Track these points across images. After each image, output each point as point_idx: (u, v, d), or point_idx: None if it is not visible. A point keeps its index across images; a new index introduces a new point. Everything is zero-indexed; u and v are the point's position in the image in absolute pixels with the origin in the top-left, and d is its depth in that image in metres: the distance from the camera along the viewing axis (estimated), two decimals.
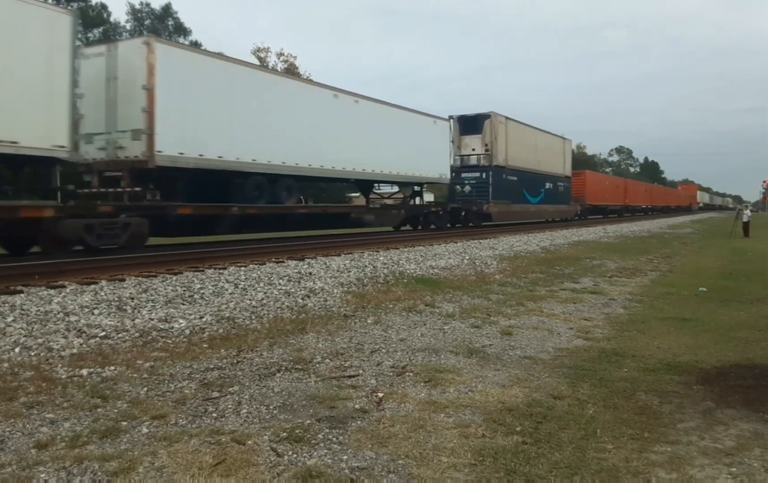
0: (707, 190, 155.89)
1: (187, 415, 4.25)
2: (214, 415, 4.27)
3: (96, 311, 7.24)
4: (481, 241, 20.05)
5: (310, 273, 10.98)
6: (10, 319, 6.64)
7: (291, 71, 47.02)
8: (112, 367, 5.27)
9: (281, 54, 47.45)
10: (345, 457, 3.59)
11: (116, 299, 7.84)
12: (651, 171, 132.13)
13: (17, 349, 5.65)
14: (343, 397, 4.68)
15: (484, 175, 27.64)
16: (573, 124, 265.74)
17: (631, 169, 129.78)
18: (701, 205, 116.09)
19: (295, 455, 3.62)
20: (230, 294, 8.76)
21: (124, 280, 9.38)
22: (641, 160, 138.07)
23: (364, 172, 20.02)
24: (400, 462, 3.54)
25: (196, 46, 47.55)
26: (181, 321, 7.05)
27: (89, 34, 42.97)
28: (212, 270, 10.81)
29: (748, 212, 30.50)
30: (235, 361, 5.62)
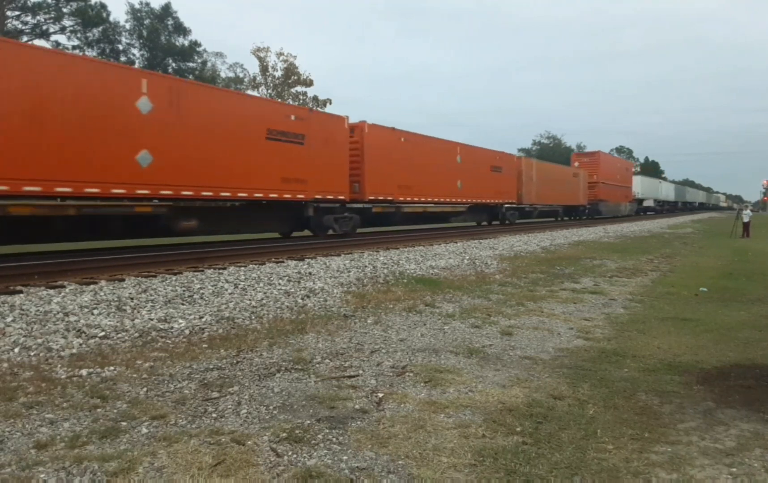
0: (663, 178, 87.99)
1: (187, 415, 4.24)
2: (214, 415, 4.27)
3: (95, 311, 7.23)
4: (481, 241, 20.05)
5: (310, 273, 10.97)
6: (9, 319, 6.63)
7: (291, 71, 46.99)
8: (112, 368, 5.27)
9: (281, 54, 47.31)
10: (345, 458, 3.59)
11: (116, 299, 7.83)
12: (651, 171, 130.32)
13: (17, 349, 5.65)
14: (343, 397, 4.67)
15: None
16: (577, 123, 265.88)
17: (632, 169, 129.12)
18: (646, 201, 61.07)
19: (294, 455, 3.61)
20: (230, 294, 8.75)
21: (123, 280, 9.37)
22: (642, 160, 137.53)
23: None
24: (400, 462, 3.53)
25: (196, 45, 47.68)
26: (180, 321, 7.05)
27: (88, 34, 43.03)
28: (212, 270, 10.80)
29: (748, 212, 30.45)
30: (234, 362, 5.61)
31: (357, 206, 18.90)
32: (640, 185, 58.16)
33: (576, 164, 44.54)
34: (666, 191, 72.80)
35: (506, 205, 30.01)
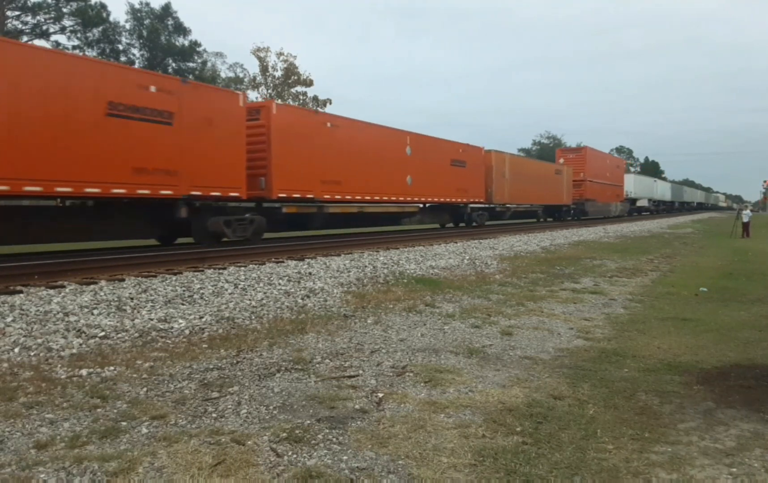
0: (659, 176, 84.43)
1: (187, 415, 4.24)
2: (214, 415, 4.27)
3: (95, 311, 7.23)
4: (481, 241, 20.06)
5: (310, 273, 10.97)
6: (9, 319, 6.63)
7: (291, 71, 47.00)
8: (112, 368, 5.27)
9: (281, 54, 47.33)
10: (345, 458, 3.59)
11: (116, 299, 7.83)
12: (651, 171, 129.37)
13: (17, 349, 5.65)
14: (343, 397, 4.67)
15: None
16: (577, 123, 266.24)
17: (632, 169, 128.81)
18: (640, 200, 57.43)
19: (294, 455, 3.61)
20: (230, 294, 8.75)
21: (123, 280, 9.38)
22: (642, 160, 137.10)
23: None
24: (400, 462, 3.53)
25: (196, 45, 47.70)
26: (180, 321, 7.05)
27: (88, 34, 43.03)
28: (212, 270, 10.80)
29: (748, 212, 30.44)
30: (234, 362, 5.61)
31: (263, 206, 15.61)
32: (632, 184, 54.87)
33: (561, 161, 40.61)
34: (662, 191, 68.34)
35: (472, 205, 26.44)
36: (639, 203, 58.10)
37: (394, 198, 20.50)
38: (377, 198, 19.52)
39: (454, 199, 24.63)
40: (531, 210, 34.19)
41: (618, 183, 49.06)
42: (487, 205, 27.70)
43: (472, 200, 26.14)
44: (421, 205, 22.83)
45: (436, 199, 23.43)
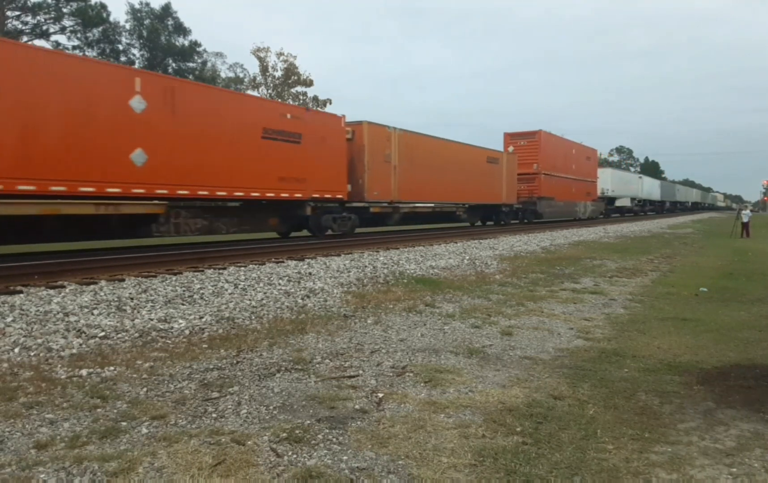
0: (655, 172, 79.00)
1: (187, 415, 4.24)
2: (214, 415, 4.27)
3: (95, 311, 7.23)
4: (481, 241, 20.06)
5: (310, 273, 10.97)
6: (9, 319, 6.64)
7: (291, 71, 47.00)
8: (112, 368, 5.27)
9: (281, 54, 47.33)
10: (345, 458, 3.59)
11: (116, 299, 7.83)
12: (651, 171, 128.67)
13: (17, 350, 5.65)
14: (343, 397, 4.67)
15: None
16: (577, 123, 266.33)
17: (632, 169, 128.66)
18: (620, 200, 49.59)
19: (294, 455, 3.61)
20: (230, 294, 8.75)
21: (123, 280, 9.38)
22: (642, 160, 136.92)
23: None
24: (400, 462, 3.53)
25: (196, 45, 47.68)
26: (180, 321, 7.05)
27: (88, 34, 43.04)
28: (212, 270, 10.81)
29: (748, 212, 30.47)
30: (234, 362, 5.61)
31: None
32: (610, 180, 45.90)
33: (510, 148, 31.34)
34: (648, 189, 59.40)
35: (320, 204, 17.51)
36: (619, 203, 49.95)
37: (88, 189, 11.20)
38: (25, 188, 10.26)
39: (273, 194, 15.40)
40: (443, 211, 24.73)
41: (588, 178, 40.02)
42: (356, 204, 18.92)
43: (318, 195, 17.13)
44: (171, 202, 13.05)
45: (223, 193, 14.02)
